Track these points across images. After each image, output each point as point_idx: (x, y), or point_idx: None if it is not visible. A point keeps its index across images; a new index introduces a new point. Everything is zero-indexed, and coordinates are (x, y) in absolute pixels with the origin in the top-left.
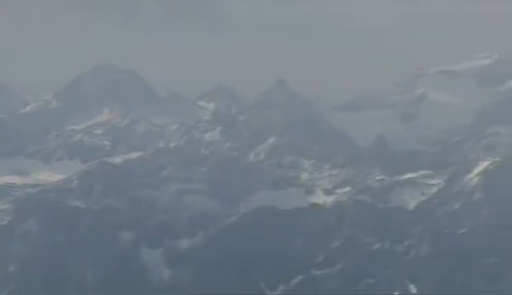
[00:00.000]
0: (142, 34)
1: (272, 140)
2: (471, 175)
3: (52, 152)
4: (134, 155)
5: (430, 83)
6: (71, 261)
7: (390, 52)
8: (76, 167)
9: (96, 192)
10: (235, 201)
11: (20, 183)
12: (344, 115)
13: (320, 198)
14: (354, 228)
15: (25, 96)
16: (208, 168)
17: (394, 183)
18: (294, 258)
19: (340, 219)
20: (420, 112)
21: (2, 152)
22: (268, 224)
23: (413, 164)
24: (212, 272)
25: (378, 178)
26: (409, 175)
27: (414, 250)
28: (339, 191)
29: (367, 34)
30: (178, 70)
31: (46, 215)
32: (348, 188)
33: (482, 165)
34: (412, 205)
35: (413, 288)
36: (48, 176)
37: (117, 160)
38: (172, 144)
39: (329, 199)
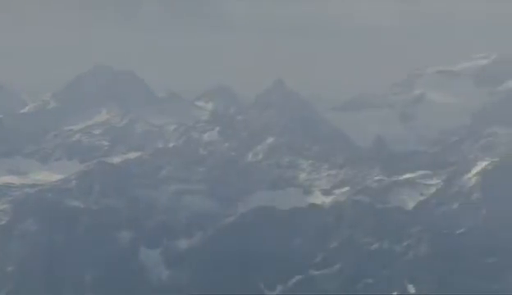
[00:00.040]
0: (140, 34)
1: (270, 140)
2: (469, 175)
3: (51, 152)
4: (132, 155)
5: (428, 84)
6: (70, 261)
7: (390, 51)
8: (75, 167)
9: (94, 192)
10: (234, 201)
11: (18, 183)
12: (342, 116)
13: (318, 198)
14: (353, 228)
15: (23, 96)
16: (207, 168)
17: (392, 184)
18: (292, 258)
19: (338, 219)
20: (418, 112)
21: (1, 151)
22: (267, 225)
23: (412, 164)
24: (210, 272)
25: (377, 178)
26: (407, 175)
27: (413, 250)
28: (337, 191)
29: (366, 34)
30: (176, 70)
31: (44, 215)
32: (346, 189)
33: (481, 166)
34: (410, 205)
35: (411, 288)
36: (47, 176)
37: (116, 160)
38: (171, 144)
39: (327, 199)
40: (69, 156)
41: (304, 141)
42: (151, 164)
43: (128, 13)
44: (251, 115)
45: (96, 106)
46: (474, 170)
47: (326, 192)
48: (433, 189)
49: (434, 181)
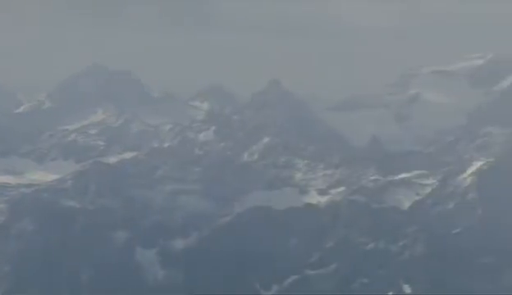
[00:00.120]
0: (136, 34)
1: (266, 140)
2: (465, 175)
3: (46, 152)
4: (128, 155)
5: (423, 84)
6: (66, 261)
7: (388, 52)
8: (70, 167)
9: (90, 192)
10: (230, 201)
11: (14, 183)
12: (338, 115)
13: (314, 198)
14: (349, 228)
15: (18, 96)
16: (203, 168)
17: (388, 184)
18: (288, 258)
19: (334, 219)
20: (414, 112)
21: None
22: (262, 224)
23: (408, 164)
24: (206, 272)
25: (372, 178)
26: (403, 175)
27: (409, 250)
28: (333, 191)
29: (365, 35)
30: (172, 70)
31: (40, 215)
32: (342, 188)
33: (476, 165)
34: (406, 205)
35: (407, 288)
36: (42, 176)
37: (111, 160)
38: (166, 144)
39: (323, 199)
40: (65, 156)
41: (300, 141)
42: (147, 164)
43: (122, 13)
44: (247, 115)
45: (91, 106)
46: (470, 170)
47: (321, 192)
48: (429, 189)
49: (430, 181)
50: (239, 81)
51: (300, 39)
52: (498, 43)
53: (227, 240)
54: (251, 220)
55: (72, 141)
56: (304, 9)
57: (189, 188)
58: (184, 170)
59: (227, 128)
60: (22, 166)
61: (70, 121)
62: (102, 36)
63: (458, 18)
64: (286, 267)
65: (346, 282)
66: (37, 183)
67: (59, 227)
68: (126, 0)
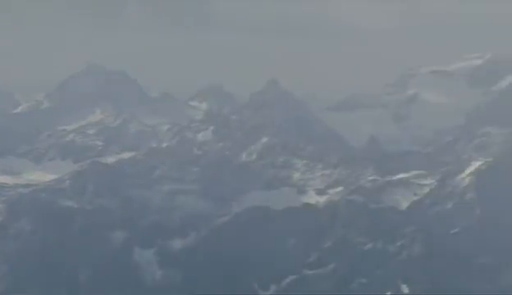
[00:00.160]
0: (135, 34)
1: (264, 140)
2: (463, 175)
3: (44, 152)
4: (126, 155)
5: (422, 84)
6: (64, 261)
7: (387, 52)
8: (68, 167)
9: (88, 192)
10: (228, 201)
11: (11, 183)
12: (336, 116)
13: (312, 198)
14: (347, 228)
15: (16, 96)
16: (201, 168)
17: (386, 184)
18: (286, 258)
19: (332, 219)
20: (412, 112)
21: None
22: (261, 224)
23: (406, 164)
24: (204, 272)
25: (371, 178)
26: (401, 175)
27: (407, 250)
28: (331, 191)
29: (363, 35)
30: (170, 70)
31: (38, 215)
32: (340, 188)
33: (475, 165)
34: (404, 205)
35: (405, 288)
36: (40, 176)
37: (110, 160)
38: (165, 144)
39: (321, 199)
40: (62, 156)
41: (299, 141)
42: (145, 164)
43: (120, 14)
44: (245, 115)
45: (89, 106)
46: (468, 170)
47: (320, 192)
48: (427, 189)
49: (428, 181)
50: (238, 81)
51: (300, 39)
52: (498, 43)
53: (225, 240)
54: (249, 219)
55: (70, 141)
56: (303, 9)
57: (188, 188)
58: (182, 170)
59: (226, 128)
60: (20, 166)
61: (68, 121)
62: (101, 36)
63: (458, 18)
64: (284, 267)
65: (344, 282)
66: (35, 183)
67: (57, 227)
68: (126, 0)
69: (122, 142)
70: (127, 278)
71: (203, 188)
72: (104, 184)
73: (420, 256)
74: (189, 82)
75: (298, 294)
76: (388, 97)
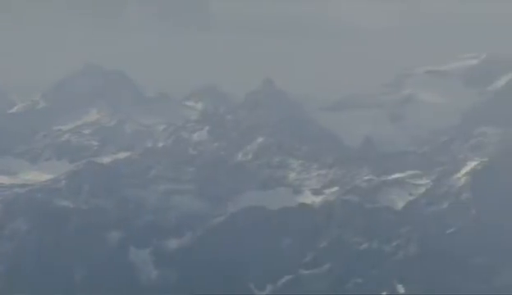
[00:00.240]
0: (129, 34)
1: (260, 140)
2: (459, 175)
3: (40, 152)
4: (122, 155)
5: (417, 84)
6: (59, 261)
7: (386, 52)
8: (64, 167)
9: (84, 192)
10: (223, 201)
11: (7, 183)
12: (332, 115)
13: (308, 198)
14: (342, 228)
15: (12, 96)
16: (196, 168)
17: (382, 184)
18: (282, 258)
19: (328, 219)
20: (407, 112)
21: None
22: (256, 224)
23: (401, 164)
24: (200, 272)
25: (366, 178)
26: (396, 175)
27: (402, 250)
28: (327, 191)
29: (363, 35)
30: (166, 70)
31: (34, 215)
32: (336, 188)
33: (470, 165)
34: (400, 205)
35: (400, 288)
36: (36, 176)
37: (105, 160)
38: (160, 144)
39: (317, 199)
40: (58, 156)
41: (294, 141)
42: (140, 164)
43: (116, 14)
44: (241, 115)
45: (85, 106)
46: (464, 170)
47: (315, 192)
48: (423, 189)
49: (423, 181)
50: (232, 81)
51: (300, 39)
52: (498, 43)
53: (221, 240)
54: (245, 219)
55: (66, 141)
56: (303, 9)
57: (183, 188)
58: (178, 170)
59: (221, 128)
60: (16, 166)
61: (64, 121)
62: (101, 36)
63: (458, 18)
64: (280, 267)
65: (340, 282)
66: (31, 183)
67: (53, 227)
68: (126, 0)
69: (118, 142)
70: (123, 278)
71: (199, 187)
72: (100, 184)
73: (416, 256)
74: (185, 82)
75: (294, 294)
76: (384, 97)
